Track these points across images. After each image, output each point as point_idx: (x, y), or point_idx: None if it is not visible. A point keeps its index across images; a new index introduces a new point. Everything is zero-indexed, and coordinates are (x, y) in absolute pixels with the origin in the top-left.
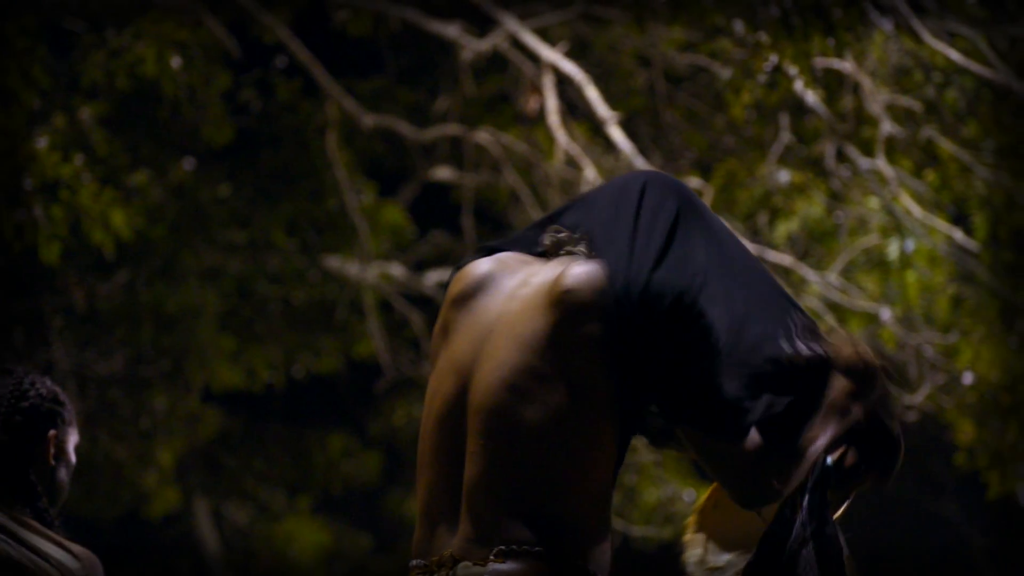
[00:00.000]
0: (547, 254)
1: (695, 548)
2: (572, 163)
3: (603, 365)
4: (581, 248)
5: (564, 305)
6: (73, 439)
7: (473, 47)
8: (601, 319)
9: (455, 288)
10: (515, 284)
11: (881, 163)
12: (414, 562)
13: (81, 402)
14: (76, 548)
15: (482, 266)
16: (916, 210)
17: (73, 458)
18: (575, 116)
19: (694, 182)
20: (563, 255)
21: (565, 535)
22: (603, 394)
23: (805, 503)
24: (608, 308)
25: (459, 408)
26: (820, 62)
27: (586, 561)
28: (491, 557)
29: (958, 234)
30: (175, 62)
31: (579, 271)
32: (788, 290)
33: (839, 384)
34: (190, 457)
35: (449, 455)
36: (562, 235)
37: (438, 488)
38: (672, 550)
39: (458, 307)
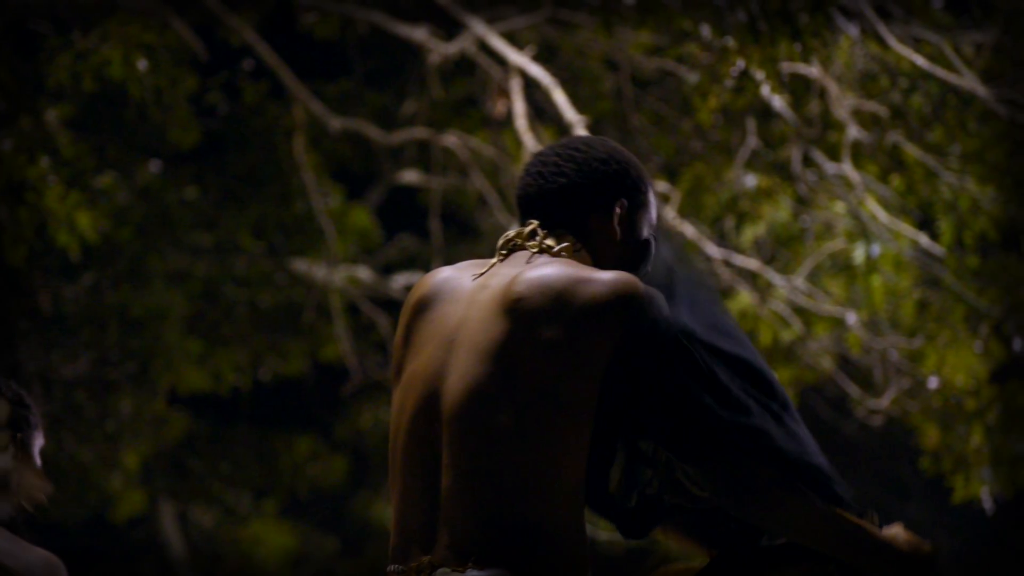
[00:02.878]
0: (502, 253)
1: None
2: None
3: (563, 368)
4: (534, 243)
5: (516, 312)
6: (38, 442)
7: (440, 51)
8: (554, 322)
9: (414, 297)
10: (475, 288)
11: (847, 168)
12: (391, 567)
13: (46, 405)
14: (40, 552)
15: (441, 273)
16: (882, 215)
17: (38, 461)
18: (543, 120)
19: (661, 186)
20: (520, 253)
21: (543, 540)
22: (568, 397)
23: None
24: (560, 311)
25: (430, 418)
26: (787, 67)
27: (564, 565)
28: (469, 564)
29: (924, 239)
30: (141, 64)
31: (530, 276)
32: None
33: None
34: (156, 460)
35: (423, 465)
36: (512, 234)
37: (413, 497)
38: (638, 554)
39: (419, 316)
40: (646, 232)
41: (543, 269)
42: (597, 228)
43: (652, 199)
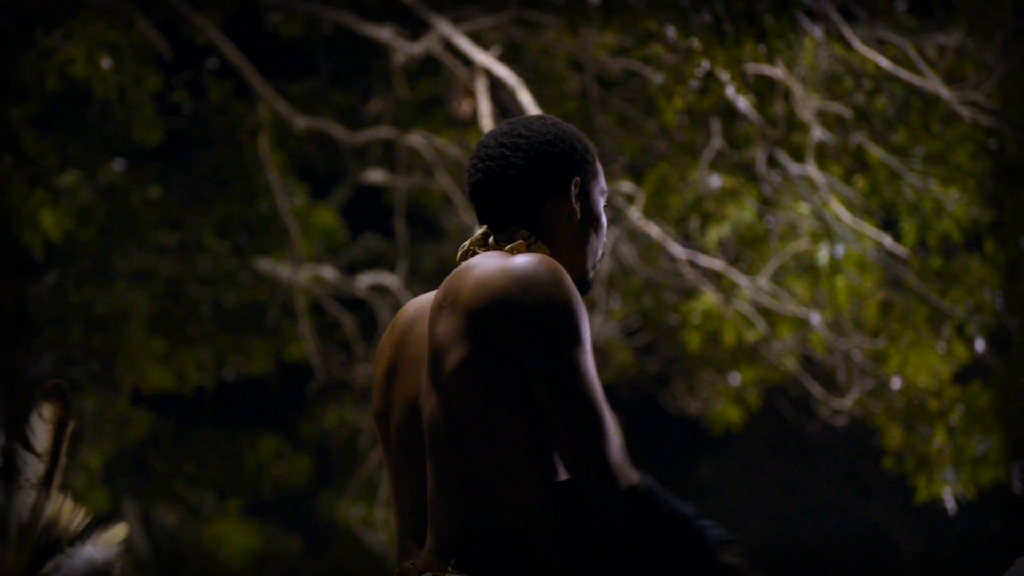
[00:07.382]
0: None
1: None
2: None
3: (472, 363)
4: (487, 248)
5: (433, 318)
6: (2, 442)
7: (406, 50)
8: (450, 318)
9: (393, 332)
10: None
11: (811, 169)
12: None
13: (9, 404)
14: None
15: (416, 303)
16: (846, 216)
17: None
18: (508, 120)
19: (626, 186)
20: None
21: (518, 542)
22: (491, 393)
23: None
24: (451, 305)
25: (412, 431)
26: (751, 68)
27: (543, 567)
28: (449, 568)
29: (887, 240)
30: (106, 63)
31: (447, 280)
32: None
33: None
34: (119, 459)
35: (412, 477)
36: (467, 244)
37: (407, 508)
38: None
39: (398, 349)
40: (600, 202)
41: (461, 266)
42: (554, 213)
43: (599, 165)
